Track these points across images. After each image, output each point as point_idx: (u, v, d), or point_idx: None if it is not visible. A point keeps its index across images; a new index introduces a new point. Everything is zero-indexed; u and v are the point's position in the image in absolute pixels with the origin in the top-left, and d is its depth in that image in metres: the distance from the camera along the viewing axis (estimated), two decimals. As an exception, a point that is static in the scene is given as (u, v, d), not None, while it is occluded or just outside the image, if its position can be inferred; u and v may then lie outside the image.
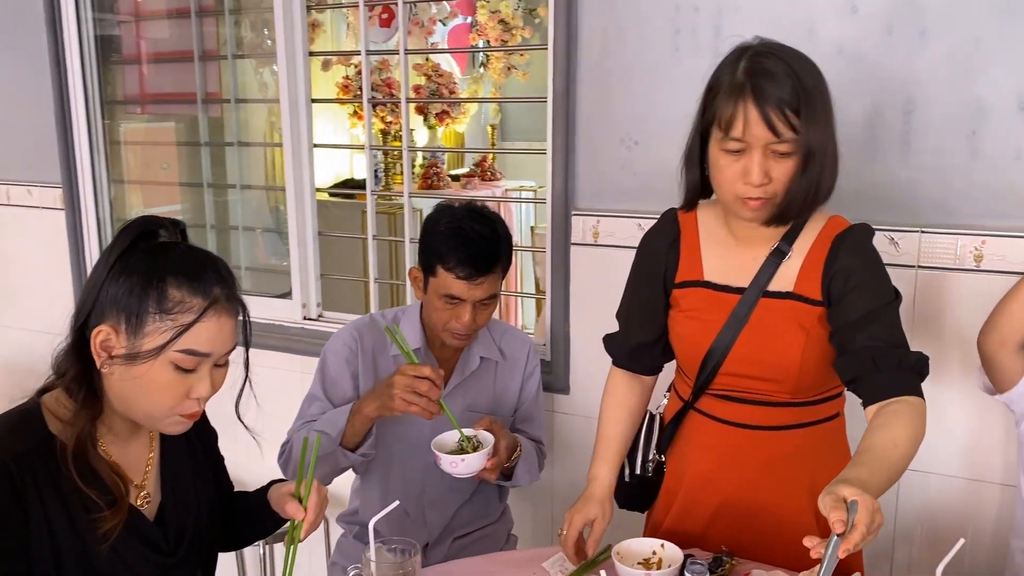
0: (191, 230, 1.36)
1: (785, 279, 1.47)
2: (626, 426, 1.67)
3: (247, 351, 1.34)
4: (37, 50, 2.84)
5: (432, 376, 1.64)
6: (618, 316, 1.70)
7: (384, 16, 5.84)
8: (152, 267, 1.21)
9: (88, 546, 1.23)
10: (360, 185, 5.15)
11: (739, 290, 1.50)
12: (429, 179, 5.29)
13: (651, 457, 1.66)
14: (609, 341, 1.72)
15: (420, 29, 5.96)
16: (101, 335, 1.20)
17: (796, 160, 1.36)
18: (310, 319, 2.64)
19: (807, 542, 1.14)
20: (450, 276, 1.73)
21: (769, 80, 1.32)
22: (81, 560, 1.23)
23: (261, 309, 2.66)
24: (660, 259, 1.58)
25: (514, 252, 1.84)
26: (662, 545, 1.47)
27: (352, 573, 1.41)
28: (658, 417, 1.69)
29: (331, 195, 4.54)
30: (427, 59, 5.62)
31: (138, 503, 1.32)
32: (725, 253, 1.53)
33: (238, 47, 2.88)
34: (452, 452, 1.68)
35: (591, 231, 2.18)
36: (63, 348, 1.25)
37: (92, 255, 2.94)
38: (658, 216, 1.64)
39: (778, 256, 1.47)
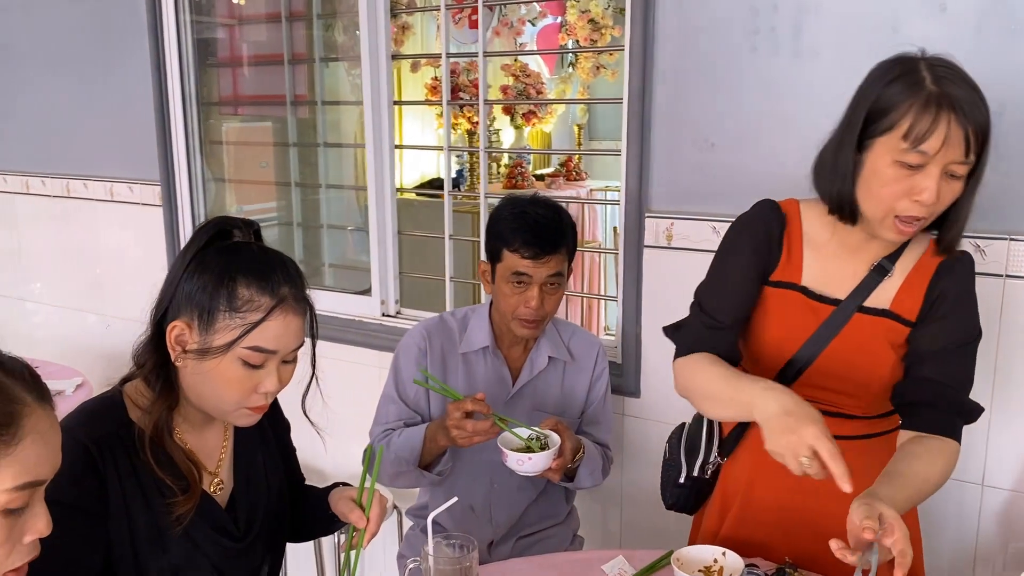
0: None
1: (883, 297, 1.44)
2: (722, 365, 1.46)
3: (314, 348, 1.39)
4: (140, 54, 2.98)
5: (474, 408, 1.68)
6: (696, 304, 1.56)
7: (473, 17, 5.91)
8: (224, 266, 1.26)
9: (162, 528, 1.29)
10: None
11: (833, 301, 1.46)
12: (514, 179, 5.32)
13: (712, 460, 1.63)
14: (678, 329, 1.57)
15: (509, 30, 6.01)
16: (176, 330, 1.26)
17: (961, 183, 1.32)
18: (388, 315, 2.70)
19: (833, 544, 1.15)
20: (515, 256, 1.78)
21: (966, 95, 1.26)
22: (155, 541, 1.29)
23: (342, 305, 2.75)
24: (759, 251, 1.48)
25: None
26: (723, 553, 1.45)
27: (411, 566, 1.43)
28: (717, 422, 1.66)
29: (417, 194, 4.63)
30: (515, 59, 5.66)
31: (211, 489, 1.38)
32: (826, 260, 1.47)
33: (326, 51, 2.96)
34: (518, 450, 1.70)
35: (664, 233, 2.16)
36: (142, 340, 1.32)
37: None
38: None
39: (879, 273, 1.44)
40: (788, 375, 1.48)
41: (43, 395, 0.94)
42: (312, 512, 1.55)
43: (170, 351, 1.27)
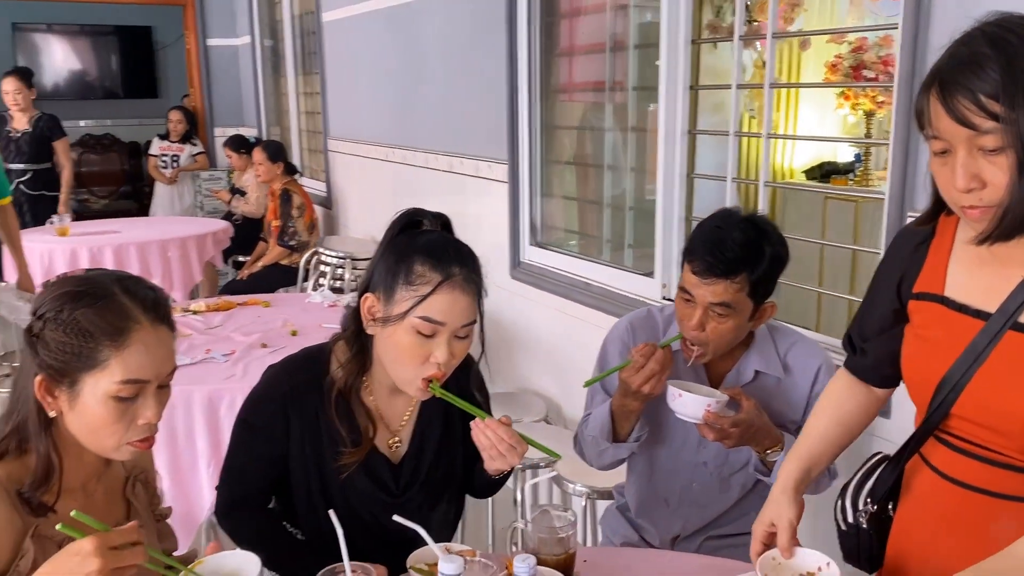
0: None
1: None
2: (830, 423, 1.49)
3: (482, 328, 1.53)
4: (499, 46, 3.37)
5: (653, 357, 1.69)
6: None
7: (898, -12, 5.36)
8: (407, 248, 1.46)
9: (328, 472, 1.55)
10: (838, 171, 4.90)
11: (980, 314, 1.24)
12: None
13: (863, 506, 1.42)
14: (847, 337, 1.51)
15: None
16: (368, 302, 1.49)
17: (1007, 157, 1.10)
18: (668, 299, 2.73)
19: None
20: (687, 269, 1.72)
21: (966, 61, 1.09)
22: (322, 478, 1.56)
23: (625, 283, 2.87)
24: (900, 261, 1.36)
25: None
26: (828, 564, 1.32)
27: (515, 526, 1.54)
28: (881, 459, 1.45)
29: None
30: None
31: (389, 446, 1.60)
32: (974, 268, 1.26)
33: (641, 37, 3.03)
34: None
35: (927, 237, 1.88)
36: (349, 309, 1.56)
37: (524, 227, 3.43)
38: None
39: None
40: (939, 404, 1.27)
41: (160, 318, 1.26)
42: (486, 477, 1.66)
43: (363, 320, 1.50)
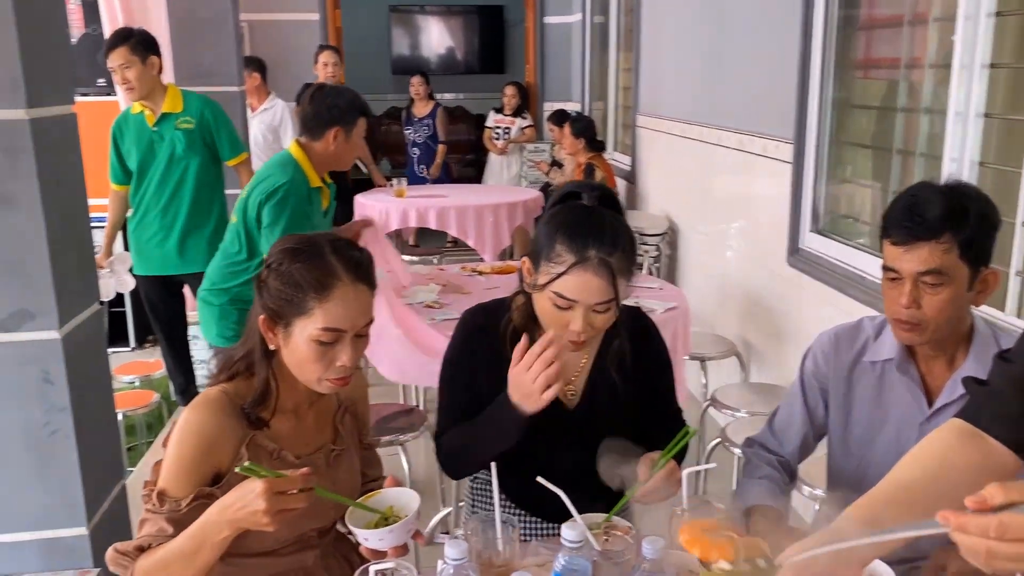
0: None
1: None
2: (923, 473, 1.19)
3: (618, 306, 1.56)
4: (793, 20, 3.20)
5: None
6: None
7: None
8: (556, 223, 1.55)
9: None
10: None
11: None
12: None
13: None
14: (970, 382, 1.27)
15: None
16: (525, 265, 1.62)
17: None
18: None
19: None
20: (887, 243, 1.54)
21: None
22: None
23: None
24: None
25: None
26: None
27: (673, 510, 1.54)
28: None
29: None
30: None
31: (564, 394, 1.70)
32: None
33: (944, 10, 2.68)
34: None
35: None
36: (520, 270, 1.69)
37: (805, 211, 3.24)
38: None
39: None
40: None
41: (360, 277, 1.45)
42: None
43: (523, 280, 1.64)
